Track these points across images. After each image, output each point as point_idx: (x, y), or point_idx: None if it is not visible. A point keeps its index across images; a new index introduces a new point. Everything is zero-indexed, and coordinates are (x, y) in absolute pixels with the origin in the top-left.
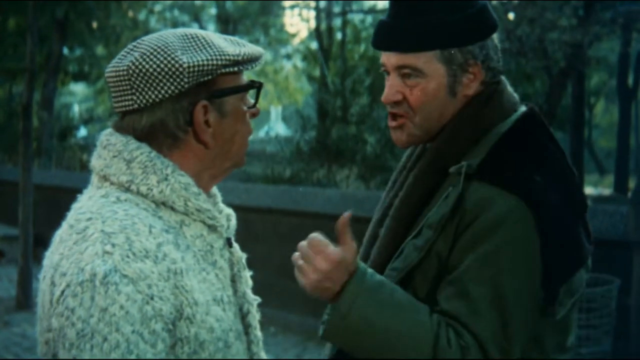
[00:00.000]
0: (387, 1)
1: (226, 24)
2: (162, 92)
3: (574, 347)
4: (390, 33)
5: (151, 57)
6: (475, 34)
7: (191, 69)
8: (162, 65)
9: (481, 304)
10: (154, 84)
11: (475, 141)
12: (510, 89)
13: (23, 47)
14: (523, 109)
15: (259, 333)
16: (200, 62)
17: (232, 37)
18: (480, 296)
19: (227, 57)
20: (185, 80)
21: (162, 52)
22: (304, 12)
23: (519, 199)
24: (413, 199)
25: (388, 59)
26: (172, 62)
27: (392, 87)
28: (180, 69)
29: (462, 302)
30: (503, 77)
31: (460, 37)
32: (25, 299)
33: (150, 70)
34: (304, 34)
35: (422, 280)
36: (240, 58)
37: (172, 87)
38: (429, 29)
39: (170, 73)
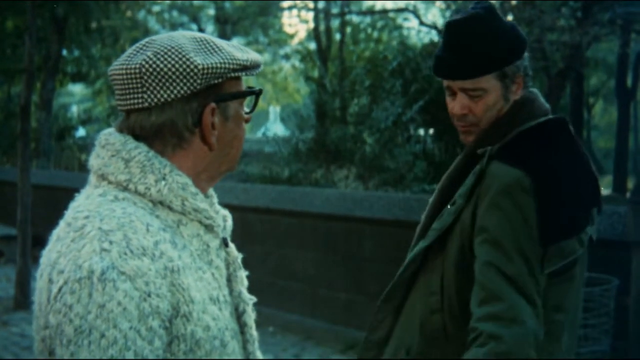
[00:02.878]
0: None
1: (224, 25)
2: (175, 92)
3: (570, 319)
4: (452, 65)
5: (165, 56)
6: (517, 52)
7: (205, 71)
8: (177, 66)
9: (510, 252)
10: (167, 84)
11: (506, 134)
12: (541, 99)
13: (21, 48)
14: (553, 117)
15: (254, 332)
16: (214, 65)
17: (234, 43)
18: (508, 247)
19: (237, 62)
20: (199, 81)
21: (176, 53)
22: (303, 12)
23: (524, 173)
24: (452, 176)
25: (454, 83)
26: (187, 62)
27: (461, 105)
28: (195, 70)
29: (494, 248)
30: (535, 90)
31: (509, 58)
32: (23, 299)
33: (165, 69)
34: (302, 34)
35: (453, 238)
36: (248, 63)
37: (185, 88)
38: (486, 57)
39: (185, 74)
